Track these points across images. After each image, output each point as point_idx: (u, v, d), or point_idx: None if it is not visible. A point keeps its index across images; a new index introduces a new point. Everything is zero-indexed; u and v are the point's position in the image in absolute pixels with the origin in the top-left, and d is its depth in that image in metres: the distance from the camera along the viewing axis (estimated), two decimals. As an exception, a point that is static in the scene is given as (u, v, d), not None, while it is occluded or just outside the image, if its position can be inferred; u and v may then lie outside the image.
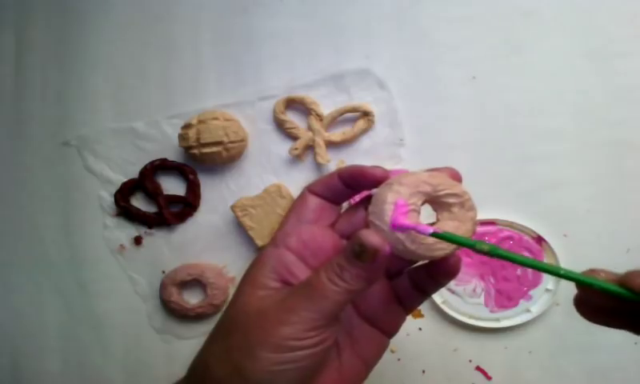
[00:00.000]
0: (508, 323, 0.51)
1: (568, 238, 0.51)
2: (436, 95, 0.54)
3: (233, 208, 0.53)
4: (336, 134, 0.54)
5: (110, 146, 0.57)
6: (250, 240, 0.54)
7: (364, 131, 0.54)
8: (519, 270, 0.51)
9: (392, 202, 0.27)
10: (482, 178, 0.52)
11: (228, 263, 0.56)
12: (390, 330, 0.33)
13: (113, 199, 0.56)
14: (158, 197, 0.56)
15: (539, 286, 0.51)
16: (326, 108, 0.54)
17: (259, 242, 0.53)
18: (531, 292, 0.51)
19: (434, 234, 0.27)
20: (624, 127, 0.51)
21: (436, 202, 0.29)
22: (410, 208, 0.27)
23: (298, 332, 0.26)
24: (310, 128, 0.54)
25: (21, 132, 0.59)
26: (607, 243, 0.51)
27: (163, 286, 0.55)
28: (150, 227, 0.57)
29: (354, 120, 0.54)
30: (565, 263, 0.50)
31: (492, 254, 0.26)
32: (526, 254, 0.51)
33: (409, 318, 0.52)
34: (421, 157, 0.53)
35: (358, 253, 0.26)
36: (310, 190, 0.31)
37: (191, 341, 0.55)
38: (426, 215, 0.30)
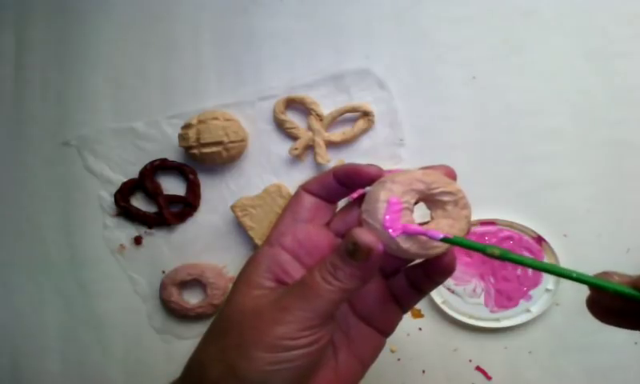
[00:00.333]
0: (508, 323, 0.51)
1: (568, 238, 0.51)
2: (436, 95, 0.54)
3: (233, 208, 0.53)
4: (336, 134, 0.54)
5: (110, 145, 0.57)
6: (249, 240, 0.54)
7: (364, 131, 0.54)
8: (519, 270, 0.51)
9: (385, 200, 0.27)
10: (481, 178, 0.52)
11: (228, 263, 0.56)
12: (387, 330, 0.33)
13: (113, 199, 0.56)
14: (158, 197, 0.56)
15: (539, 286, 0.51)
16: (326, 108, 0.54)
17: (259, 242, 0.53)
18: (531, 292, 0.51)
19: (445, 239, 0.27)
20: (624, 127, 0.51)
21: (430, 200, 0.29)
22: (403, 206, 0.27)
23: (293, 331, 0.26)
24: (309, 128, 0.54)
25: (21, 132, 0.59)
26: (607, 243, 0.51)
27: (163, 286, 0.55)
28: (150, 227, 0.57)
29: (354, 120, 0.54)
30: (565, 263, 0.50)
31: (503, 258, 0.25)
32: (526, 254, 0.51)
33: (409, 318, 0.53)
34: (421, 157, 0.53)
35: (352, 251, 0.26)
36: (304, 188, 0.31)
37: (191, 341, 0.55)
38: (421, 214, 0.30)
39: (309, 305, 0.26)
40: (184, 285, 0.55)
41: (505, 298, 0.51)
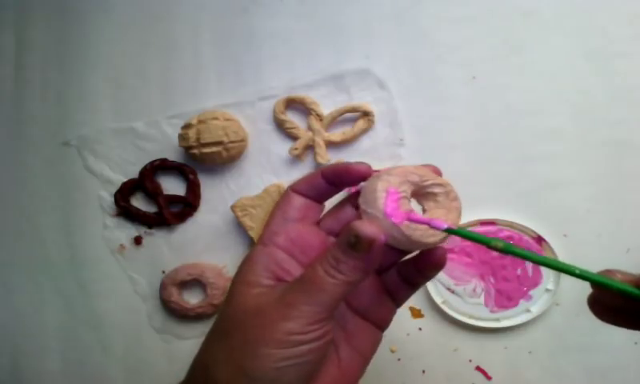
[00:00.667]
0: (508, 323, 0.51)
1: (568, 238, 0.51)
2: (436, 95, 0.54)
3: (233, 208, 0.53)
4: (336, 134, 0.54)
5: (110, 145, 0.57)
6: (250, 240, 0.54)
7: (364, 131, 0.54)
8: (519, 270, 0.51)
9: (384, 190, 0.28)
10: (482, 178, 0.52)
11: (228, 263, 0.56)
12: (382, 324, 0.33)
13: (113, 199, 0.56)
14: (158, 197, 0.56)
15: (539, 286, 0.51)
16: (326, 108, 0.54)
17: (259, 242, 0.53)
18: (531, 292, 0.51)
19: (448, 230, 0.27)
20: (624, 127, 0.51)
21: (422, 192, 0.30)
22: (401, 195, 0.28)
23: (301, 326, 0.26)
24: (309, 128, 0.54)
25: (21, 132, 0.59)
26: (607, 243, 0.51)
27: (163, 286, 0.55)
28: (150, 227, 0.57)
29: (354, 120, 0.54)
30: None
31: (506, 251, 0.26)
32: (526, 254, 0.51)
33: (409, 318, 0.53)
34: (421, 157, 0.53)
35: (354, 244, 0.27)
36: (293, 189, 0.31)
37: (191, 341, 0.55)
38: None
39: (314, 299, 0.26)
40: (184, 285, 0.55)
41: (505, 298, 0.51)
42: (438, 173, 0.31)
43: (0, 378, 0.58)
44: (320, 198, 0.31)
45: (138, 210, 0.56)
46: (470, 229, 0.51)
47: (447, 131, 0.53)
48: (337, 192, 0.31)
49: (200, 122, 0.53)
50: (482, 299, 0.52)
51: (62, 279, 0.58)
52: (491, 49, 0.53)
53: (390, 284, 0.33)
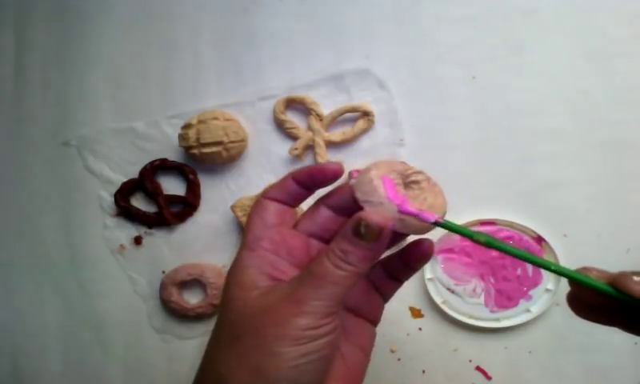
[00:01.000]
0: (508, 323, 0.51)
1: (568, 238, 0.51)
2: (436, 95, 0.54)
3: (233, 208, 0.53)
4: (336, 134, 0.54)
5: (110, 145, 0.57)
6: (250, 240, 0.54)
7: (364, 131, 0.54)
8: (519, 270, 0.51)
9: (379, 178, 0.29)
10: (482, 178, 0.52)
11: (228, 263, 0.56)
12: (374, 319, 0.33)
13: (113, 199, 0.57)
14: (158, 197, 0.56)
15: (539, 285, 0.51)
16: (326, 108, 0.54)
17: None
18: (531, 292, 0.51)
19: (437, 223, 0.28)
20: (624, 127, 0.51)
21: (406, 181, 0.31)
22: (395, 182, 0.29)
23: (315, 321, 0.26)
24: (309, 128, 0.54)
25: (21, 132, 0.59)
26: (607, 243, 0.51)
27: (163, 286, 0.55)
28: (150, 227, 0.57)
29: (354, 120, 0.54)
30: (565, 263, 0.50)
31: (488, 245, 0.27)
32: (526, 254, 0.51)
33: (409, 317, 0.53)
34: (421, 157, 0.53)
35: (364, 234, 0.27)
36: (266, 197, 0.31)
37: (191, 341, 0.55)
38: None
39: (325, 293, 0.27)
40: (184, 285, 0.55)
41: (505, 298, 0.51)
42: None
43: (0, 378, 0.58)
44: (293, 203, 0.32)
45: (138, 209, 0.56)
46: (472, 229, 0.51)
47: (447, 131, 0.53)
48: (309, 195, 0.31)
49: (200, 121, 0.53)
50: (481, 299, 0.52)
51: (62, 279, 0.58)
52: (491, 49, 0.53)
53: (377, 280, 0.33)
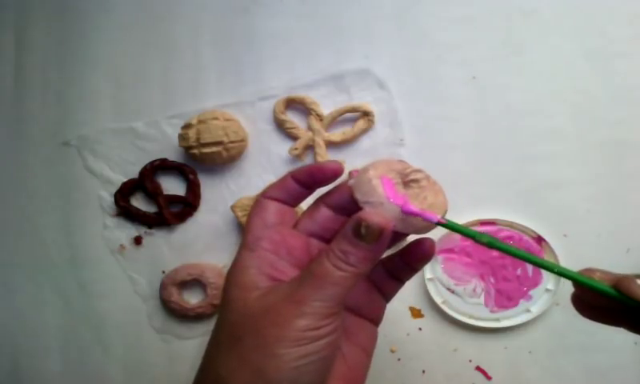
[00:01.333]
0: (508, 323, 0.51)
1: (568, 238, 0.51)
2: (436, 95, 0.54)
3: (233, 208, 0.53)
4: (336, 134, 0.54)
5: (110, 146, 0.57)
6: (250, 240, 0.54)
7: (364, 131, 0.54)
8: (519, 270, 0.51)
9: (378, 178, 0.28)
10: (482, 178, 0.52)
11: (228, 263, 0.56)
12: (376, 319, 0.33)
13: (113, 199, 0.57)
14: (158, 197, 0.56)
15: (539, 285, 0.51)
16: (326, 108, 0.54)
17: (259, 242, 0.53)
18: (531, 292, 0.51)
19: (440, 223, 0.28)
20: (624, 127, 0.51)
21: (405, 180, 0.30)
22: (394, 181, 0.29)
23: (315, 322, 0.26)
24: (309, 128, 0.54)
25: (21, 132, 0.59)
26: (607, 243, 0.51)
27: (163, 286, 0.55)
28: (150, 227, 0.57)
29: (354, 120, 0.54)
30: (565, 263, 0.50)
31: (490, 245, 0.27)
32: (526, 253, 0.51)
33: (409, 317, 0.53)
34: (421, 157, 0.53)
35: (364, 234, 0.27)
36: (265, 196, 0.31)
37: (191, 341, 0.55)
38: None
39: (325, 294, 0.26)
40: (184, 285, 0.55)
41: (505, 298, 0.51)
42: None
43: (0, 378, 0.58)
44: (293, 202, 0.31)
45: (138, 210, 0.56)
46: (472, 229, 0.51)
47: (447, 131, 0.53)
48: (309, 194, 0.31)
49: (200, 121, 0.53)
50: (482, 299, 0.52)
51: (62, 279, 0.58)
52: (491, 49, 0.53)
53: (378, 280, 0.33)
